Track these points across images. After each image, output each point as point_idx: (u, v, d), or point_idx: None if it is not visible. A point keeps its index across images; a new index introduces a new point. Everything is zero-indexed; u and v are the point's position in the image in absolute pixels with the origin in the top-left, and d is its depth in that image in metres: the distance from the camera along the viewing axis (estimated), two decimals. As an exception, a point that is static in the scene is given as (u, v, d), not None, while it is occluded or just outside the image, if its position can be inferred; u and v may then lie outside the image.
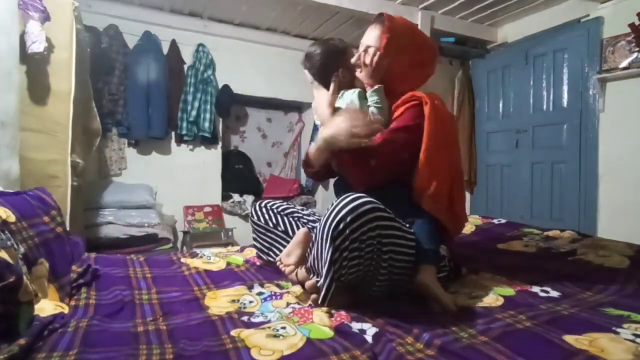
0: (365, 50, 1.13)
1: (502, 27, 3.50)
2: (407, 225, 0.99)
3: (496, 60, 3.58)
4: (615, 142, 2.73)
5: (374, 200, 0.89)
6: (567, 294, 0.99)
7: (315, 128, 3.90)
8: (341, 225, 0.84)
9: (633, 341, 0.72)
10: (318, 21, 3.30)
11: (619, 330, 0.77)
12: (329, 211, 0.88)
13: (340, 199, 0.89)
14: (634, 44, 2.54)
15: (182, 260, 1.35)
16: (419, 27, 3.08)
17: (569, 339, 0.73)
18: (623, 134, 2.68)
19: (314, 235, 0.95)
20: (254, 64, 3.54)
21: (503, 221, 1.90)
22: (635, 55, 2.54)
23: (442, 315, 0.87)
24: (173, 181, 3.20)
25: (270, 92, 3.67)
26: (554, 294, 1.00)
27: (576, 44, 2.95)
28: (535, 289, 1.04)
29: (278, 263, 1.11)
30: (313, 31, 3.50)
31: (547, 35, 3.15)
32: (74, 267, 1.05)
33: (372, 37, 1.14)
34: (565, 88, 3.04)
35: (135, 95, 2.94)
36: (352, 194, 0.89)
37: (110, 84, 2.88)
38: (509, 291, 1.02)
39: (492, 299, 0.97)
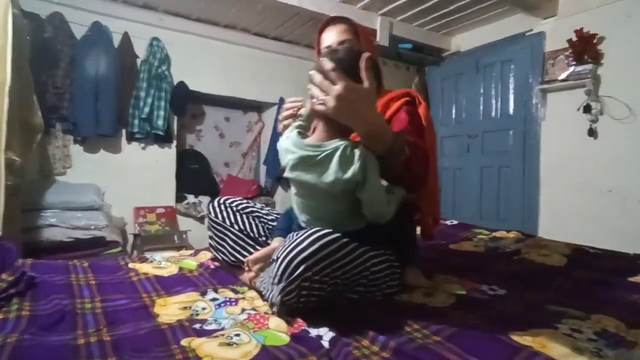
0: (342, 43, 1.04)
1: (455, 36, 3.66)
2: (379, 250, 0.97)
3: (450, 67, 3.74)
4: (554, 149, 2.95)
5: (341, 236, 0.85)
6: (512, 292, 1.05)
7: (275, 137, 3.86)
8: (300, 269, 0.79)
9: (570, 335, 0.77)
10: (279, 21, 3.28)
11: (558, 325, 0.82)
12: (289, 246, 0.82)
13: (304, 235, 0.83)
14: (571, 59, 2.76)
15: (131, 265, 1.28)
16: (378, 32, 3.16)
17: (514, 336, 0.76)
18: (561, 142, 2.90)
19: (274, 254, 0.89)
20: (212, 61, 3.44)
21: (455, 222, 1.98)
22: (572, 68, 2.75)
23: (397, 316, 0.88)
24: (123, 181, 3.04)
25: (229, 91, 3.59)
26: (501, 292, 1.05)
27: (521, 56, 3.14)
28: (484, 287, 1.08)
29: (244, 266, 1.08)
30: (273, 30, 3.46)
31: (495, 46, 3.34)
32: (3, 276, 0.95)
33: (340, 32, 1.07)
34: (511, 97, 3.24)
35: (82, 89, 2.76)
36: (317, 231, 0.84)
37: (54, 76, 2.68)
38: (461, 290, 1.06)
39: (445, 298, 1.00)
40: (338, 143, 0.85)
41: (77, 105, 2.76)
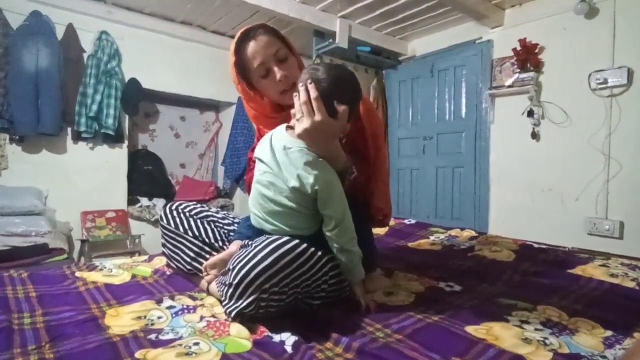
0: (284, 60, 1.08)
1: (412, 41, 3.79)
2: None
3: (406, 71, 3.86)
4: (502, 150, 3.13)
5: (299, 243, 0.83)
6: (467, 288, 1.09)
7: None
8: (259, 281, 0.77)
9: (520, 327, 0.82)
10: (236, 19, 3.21)
11: (509, 318, 0.87)
12: (246, 257, 0.80)
13: (263, 243, 0.81)
14: (516, 66, 2.95)
15: (78, 274, 1.19)
16: (338, 34, 3.19)
17: (470, 329, 0.80)
18: (508, 144, 3.09)
19: (229, 262, 0.87)
20: (167, 57, 3.31)
21: (413, 221, 2.04)
22: (517, 75, 2.94)
23: (360, 316, 0.89)
24: (69, 184, 2.84)
25: (185, 89, 3.47)
26: (457, 288, 1.10)
27: (472, 62, 3.31)
28: (442, 284, 1.12)
29: (202, 272, 1.04)
30: (231, 29, 3.39)
31: (449, 52, 3.49)
32: None
33: (273, 44, 1.10)
34: (463, 100, 3.40)
35: (19, 83, 2.54)
36: (275, 239, 0.82)
37: (-15, 68, 2.45)
38: (420, 288, 1.09)
39: (405, 297, 1.02)
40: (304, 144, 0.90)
41: (14, 100, 2.53)
